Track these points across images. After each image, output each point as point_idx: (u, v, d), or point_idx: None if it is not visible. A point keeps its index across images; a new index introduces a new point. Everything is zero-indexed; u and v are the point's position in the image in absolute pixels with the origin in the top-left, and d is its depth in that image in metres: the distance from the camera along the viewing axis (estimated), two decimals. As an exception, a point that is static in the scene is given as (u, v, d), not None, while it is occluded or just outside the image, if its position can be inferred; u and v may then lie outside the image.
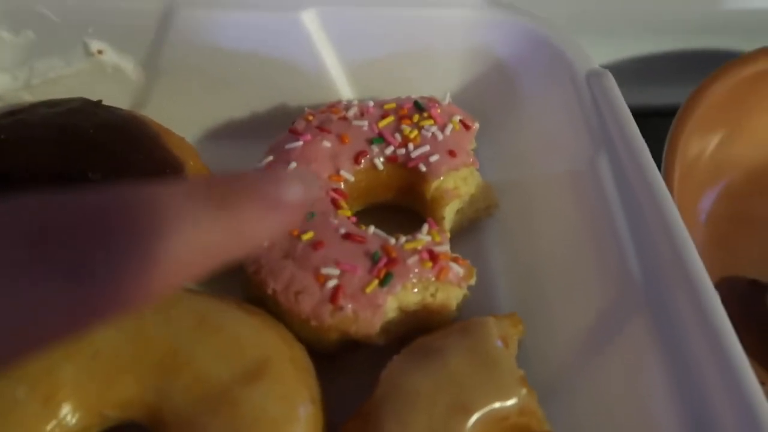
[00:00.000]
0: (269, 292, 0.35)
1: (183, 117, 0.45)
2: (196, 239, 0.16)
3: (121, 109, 0.41)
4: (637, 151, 0.38)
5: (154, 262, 0.16)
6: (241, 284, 0.40)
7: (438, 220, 0.41)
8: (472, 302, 0.40)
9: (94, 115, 0.39)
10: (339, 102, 0.44)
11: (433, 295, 0.37)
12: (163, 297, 0.17)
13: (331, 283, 0.35)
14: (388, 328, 0.36)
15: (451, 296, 0.38)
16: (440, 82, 0.48)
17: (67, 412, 0.30)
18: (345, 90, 0.48)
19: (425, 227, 0.38)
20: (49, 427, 0.29)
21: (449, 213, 0.42)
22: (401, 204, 0.44)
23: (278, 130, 0.45)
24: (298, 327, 0.35)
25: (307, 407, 0.31)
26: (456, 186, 0.42)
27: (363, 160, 0.41)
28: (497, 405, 0.31)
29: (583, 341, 0.38)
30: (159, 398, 0.30)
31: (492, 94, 0.48)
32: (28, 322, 0.15)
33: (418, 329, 0.38)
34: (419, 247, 0.37)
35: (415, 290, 0.37)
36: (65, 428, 0.30)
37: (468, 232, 0.45)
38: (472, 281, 0.38)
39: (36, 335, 0.15)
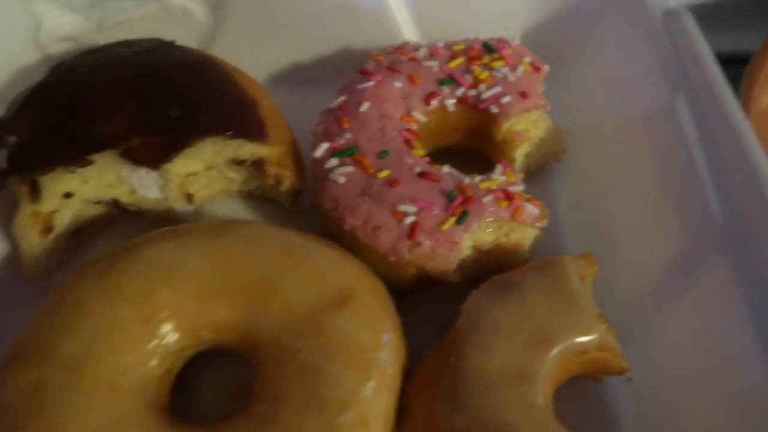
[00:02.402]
0: (347, 227, 0.37)
1: (249, 59, 0.46)
2: None
3: (193, 49, 0.42)
4: (719, 93, 0.38)
5: None
6: (314, 223, 0.42)
7: (508, 163, 0.42)
8: (541, 245, 0.41)
9: (169, 54, 0.40)
10: (407, 43, 0.45)
11: (506, 235, 0.39)
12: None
13: (409, 220, 0.37)
14: (462, 266, 0.38)
15: (525, 236, 0.39)
16: (508, 24, 0.48)
17: (167, 332, 0.32)
18: (410, 32, 0.49)
19: (499, 167, 0.39)
20: (150, 346, 0.32)
21: (519, 156, 0.43)
22: (469, 147, 0.45)
23: (341, 73, 0.47)
24: (375, 262, 0.37)
25: (390, 335, 0.33)
26: (526, 129, 0.43)
27: (433, 101, 0.42)
28: (578, 339, 0.33)
29: (659, 283, 0.39)
30: (251, 323, 0.33)
31: (561, 36, 0.48)
32: None
33: (490, 269, 0.40)
34: (494, 187, 0.38)
35: (489, 229, 0.38)
36: (165, 348, 0.32)
37: (535, 176, 0.46)
38: (545, 222, 0.39)
39: None
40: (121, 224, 0.43)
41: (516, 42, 0.45)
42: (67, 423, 0.29)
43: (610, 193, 0.44)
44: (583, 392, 0.38)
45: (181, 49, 0.41)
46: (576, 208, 0.45)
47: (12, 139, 0.36)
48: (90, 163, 0.37)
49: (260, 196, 0.45)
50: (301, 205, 0.44)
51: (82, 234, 0.42)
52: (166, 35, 0.45)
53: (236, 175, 0.42)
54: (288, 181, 0.41)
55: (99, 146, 0.37)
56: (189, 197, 0.40)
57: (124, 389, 0.30)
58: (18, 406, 0.29)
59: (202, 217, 0.43)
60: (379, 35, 0.49)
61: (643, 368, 0.37)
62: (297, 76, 0.49)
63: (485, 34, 0.47)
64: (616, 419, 0.38)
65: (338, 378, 0.31)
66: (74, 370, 0.30)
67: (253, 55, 0.47)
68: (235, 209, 0.45)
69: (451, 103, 0.42)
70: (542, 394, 0.31)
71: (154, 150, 0.37)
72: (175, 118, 0.37)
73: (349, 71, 0.46)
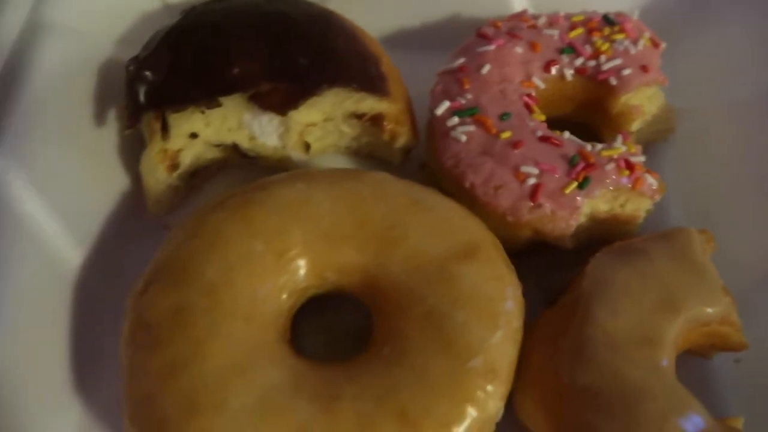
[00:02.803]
0: (467, 185, 0.38)
1: (360, 20, 0.47)
2: None
3: (317, 4, 0.43)
4: None
5: None
6: (423, 183, 0.42)
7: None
8: (648, 220, 0.41)
9: (296, 5, 0.41)
10: (525, 11, 0.45)
11: (622, 206, 0.39)
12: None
13: (531, 181, 0.37)
14: (576, 232, 0.38)
15: (640, 208, 0.39)
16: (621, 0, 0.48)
17: (297, 269, 0.33)
18: (520, 4, 0.49)
19: (619, 138, 0.39)
20: (281, 280, 0.33)
21: (632, 130, 0.43)
22: (577, 119, 0.45)
23: (448, 40, 0.47)
24: (490, 222, 0.38)
25: (515, 289, 0.33)
26: (641, 103, 0.43)
27: (553, 69, 0.42)
28: (704, 309, 0.33)
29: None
30: (377, 268, 0.34)
31: (676, 13, 0.48)
32: None
33: (599, 239, 0.40)
34: (615, 155, 0.38)
35: (607, 198, 0.38)
36: (294, 284, 0.33)
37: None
38: (661, 195, 0.39)
39: None
40: (234, 171, 0.44)
41: (636, 15, 0.45)
42: (208, 343, 0.30)
43: (718, 175, 0.44)
44: (689, 369, 0.38)
45: (307, 2, 0.42)
46: (681, 188, 0.45)
47: (150, 75, 0.38)
48: (219, 104, 0.38)
49: (367, 154, 0.46)
50: (408, 165, 0.45)
51: (197, 177, 0.43)
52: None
53: (350, 130, 0.43)
54: (403, 137, 0.41)
55: (230, 89, 0.38)
56: (306, 146, 0.41)
57: (259, 319, 0.31)
58: (162, 326, 0.30)
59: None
60: (488, 4, 0.49)
61: (751, 350, 0.37)
62: (405, 40, 0.49)
63: (598, 8, 0.47)
64: (720, 399, 0.38)
65: (467, 325, 0.31)
66: (214, 295, 0.31)
67: (364, 16, 0.48)
68: (343, 166, 0.46)
69: (569, 72, 0.42)
70: (668, 358, 0.32)
71: (282, 96, 0.38)
72: (304, 66, 0.38)
73: (457, 39, 0.47)
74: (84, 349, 0.36)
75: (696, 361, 0.38)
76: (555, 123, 0.45)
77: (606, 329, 0.31)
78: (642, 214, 0.40)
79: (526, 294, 0.37)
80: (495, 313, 0.32)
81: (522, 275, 0.39)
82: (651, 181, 0.38)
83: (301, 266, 0.33)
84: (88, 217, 0.39)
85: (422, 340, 0.31)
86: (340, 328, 0.38)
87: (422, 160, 0.45)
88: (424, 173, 0.43)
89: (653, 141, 0.46)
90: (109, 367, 0.35)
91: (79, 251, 0.38)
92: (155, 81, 0.38)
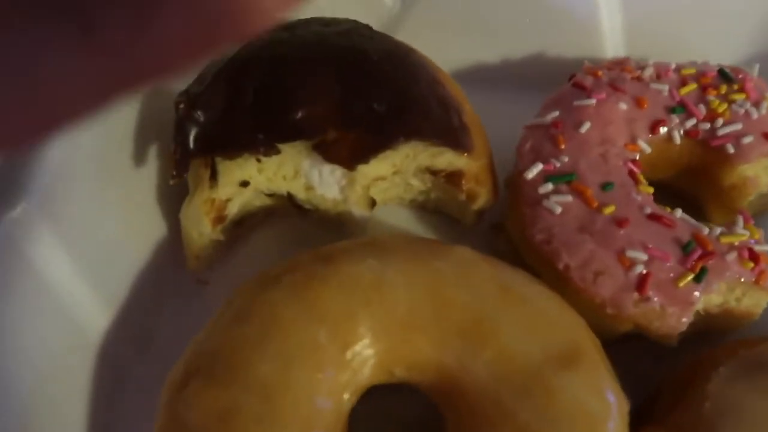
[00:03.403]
0: (560, 266, 0.32)
1: (432, 55, 0.42)
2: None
3: (392, 37, 0.38)
4: None
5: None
6: (496, 250, 0.37)
7: (730, 211, 0.37)
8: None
9: (371, 39, 0.36)
10: (627, 59, 0.40)
11: (738, 300, 0.34)
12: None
13: (638, 269, 0.32)
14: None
15: (758, 303, 0.34)
16: (732, 47, 0.43)
17: (363, 364, 0.28)
18: (615, 45, 0.44)
19: (740, 220, 0.34)
20: (344, 377, 0.28)
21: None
22: (678, 186, 0.40)
23: (536, 80, 0.42)
24: (584, 311, 0.32)
25: (621, 402, 0.28)
26: (758, 175, 0.38)
27: (661, 130, 0.37)
28: None
29: None
30: (458, 368, 0.28)
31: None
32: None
33: (703, 332, 0.35)
34: (737, 243, 0.33)
35: (721, 291, 0.33)
36: (357, 381, 0.28)
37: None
38: (787, 290, 0.34)
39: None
40: (282, 221, 0.40)
41: (756, 72, 0.39)
42: (260, 461, 0.25)
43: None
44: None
45: (382, 36, 0.37)
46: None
47: (202, 116, 0.33)
48: (278, 152, 0.34)
49: (433, 209, 0.41)
50: (480, 226, 0.40)
51: (241, 227, 0.38)
52: (346, 15, 0.41)
53: (419, 184, 0.38)
54: (482, 199, 0.36)
55: (294, 135, 0.33)
56: (371, 202, 0.36)
57: (319, 428, 0.26)
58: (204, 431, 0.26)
59: (371, 224, 0.39)
60: (579, 44, 0.44)
61: None
62: (483, 80, 0.44)
63: (702, 58, 0.41)
64: None
65: (568, 453, 0.26)
66: (270, 397, 0.26)
67: (438, 50, 0.43)
68: (406, 221, 0.41)
69: (678, 134, 0.37)
70: None
71: (351, 147, 0.33)
72: (380, 114, 0.33)
73: (542, 80, 0.42)
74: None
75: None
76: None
77: (738, 473, 0.26)
78: (759, 311, 0.34)
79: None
80: (600, 438, 0.27)
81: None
82: (776, 274, 0.33)
83: (368, 360, 0.28)
84: (117, 274, 0.34)
85: (513, 467, 0.26)
86: (393, 415, 0.33)
87: (495, 219, 0.40)
88: (500, 239, 0.38)
89: (762, 212, 0.41)
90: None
91: (106, 314, 0.33)
92: (208, 122, 0.33)
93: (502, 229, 0.39)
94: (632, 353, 0.37)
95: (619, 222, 0.33)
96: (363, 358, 0.28)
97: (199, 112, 0.33)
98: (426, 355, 0.29)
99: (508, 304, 0.29)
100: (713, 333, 0.36)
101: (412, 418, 0.33)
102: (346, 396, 0.28)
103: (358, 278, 0.29)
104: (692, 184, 0.40)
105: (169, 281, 0.36)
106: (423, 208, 0.41)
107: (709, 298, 0.33)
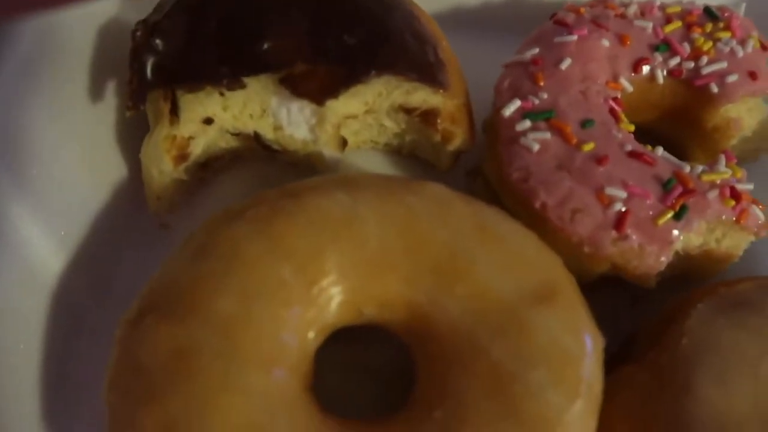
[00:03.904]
0: (537, 205, 0.31)
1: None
2: None
3: (366, -31, 0.36)
4: None
5: None
6: (474, 194, 0.36)
7: (713, 155, 0.36)
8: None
9: (345, -30, 0.34)
10: (610, -5, 0.38)
11: (718, 241, 0.33)
12: None
13: (617, 207, 0.31)
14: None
15: (738, 245, 0.33)
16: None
17: (329, 300, 0.27)
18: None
19: (722, 159, 0.33)
20: (309, 315, 0.27)
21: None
22: (661, 129, 0.39)
23: (517, 23, 0.40)
24: (561, 251, 0.31)
25: (596, 343, 0.27)
26: (740, 116, 0.37)
27: (644, 69, 0.35)
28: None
29: None
30: (430, 305, 0.27)
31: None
32: None
33: (683, 276, 0.34)
34: (719, 181, 0.32)
35: (701, 231, 0.32)
36: (323, 319, 0.27)
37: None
38: (768, 231, 0.33)
39: None
40: (251, 164, 0.38)
41: (743, 11, 0.38)
42: (219, 398, 0.24)
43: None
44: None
45: (356, -33, 0.36)
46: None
47: (161, 45, 0.31)
48: (243, 86, 0.32)
49: (408, 153, 0.39)
50: (456, 171, 0.39)
51: (207, 168, 0.37)
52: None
53: (393, 125, 0.36)
54: (458, 140, 0.35)
55: (259, 68, 0.31)
56: (342, 142, 0.35)
57: (283, 365, 0.25)
58: (159, 370, 0.24)
59: (343, 168, 0.38)
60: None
61: None
62: (464, 23, 0.43)
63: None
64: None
65: (542, 391, 0.25)
66: (230, 333, 0.25)
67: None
68: (379, 165, 0.39)
69: (662, 73, 0.36)
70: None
71: (320, 81, 0.32)
72: (351, 46, 0.31)
73: (524, 23, 0.40)
74: (59, 381, 0.30)
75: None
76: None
77: (715, 409, 0.25)
78: (739, 252, 0.33)
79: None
80: (575, 376, 0.26)
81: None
82: (758, 213, 0.32)
83: (335, 298, 0.27)
84: (73, 214, 0.33)
85: (486, 405, 0.25)
86: (365, 364, 0.32)
87: (472, 165, 0.39)
88: (477, 183, 0.37)
89: (744, 160, 0.40)
90: (88, 405, 0.29)
91: (61, 256, 0.32)
92: (167, 52, 0.31)
93: (480, 172, 0.37)
94: (610, 299, 0.36)
95: (599, 159, 0.32)
96: (330, 295, 0.27)
97: (157, 41, 0.31)
98: (397, 293, 0.28)
99: (482, 242, 0.28)
100: (693, 278, 0.36)
101: (383, 365, 0.32)
102: (311, 334, 0.27)
103: (327, 213, 0.28)
104: (675, 127, 0.39)
105: (129, 225, 0.34)
106: (398, 152, 0.39)
107: (689, 237, 0.32)
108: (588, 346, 0.27)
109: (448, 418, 0.25)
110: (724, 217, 0.32)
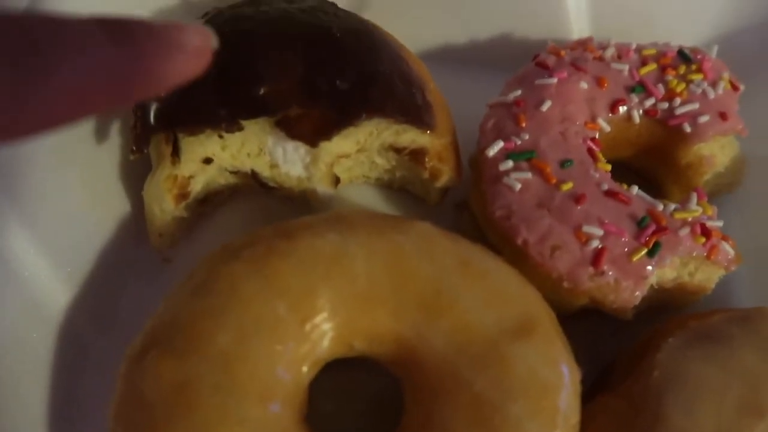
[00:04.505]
0: (519, 241, 0.33)
1: (400, 34, 0.42)
2: (86, 66, 0.17)
3: (357, 15, 0.38)
4: None
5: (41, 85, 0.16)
6: (460, 227, 0.38)
7: (687, 190, 0.38)
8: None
9: (335, 17, 0.36)
10: (590, 39, 0.40)
11: (691, 274, 0.35)
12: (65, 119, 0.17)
13: (594, 244, 0.33)
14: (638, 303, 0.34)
15: (710, 278, 0.35)
16: (696, 31, 0.44)
17: (322, 337, 0.29)
18: (580, 27, 0.44)
19: (694, 197, 0.35)
20: (303, 350, 0.28)
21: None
22: (638, 166, 0.41)
23: (502, 61, 0.42)
24: (542, 286, 0.33)
25: (573, 375, 0.29)
26: (713, 154, 0.39)
27: (620, 109, 0.38)
28: (792, 411, 0.29)
29: None
30: (416, 338, 0.29)
31: (754, 52, 0.43)
32: None
33: (658, 308, 0.36)
34: (690, 219, 0.34)
35: (675, 266, 0.34)
36: (316, 354, 0.29)
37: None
38: (737, 265, 0.35)
39: None
40: (248, 198, 0.40)
41: (714, 53, 0.40)
42: (218, 431, 0.25)
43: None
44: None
45: (347, 13, 0.37)
46: (747, 246, 0.40)
47: (163, 90, 0.33)
48: (241, 128, 0.34)
49: (398, 188, 0.41)
50: (444, 205, 0.41)
51: (206, 203, 0.38)
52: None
53: (384, 162, 0.38)
54: (445, 177, 0.37)
55: (257, 111, 0.33)
56: (335, 180, 0.37)
57: (278, 398, 0.27)
58: (161, 404, 0.26)
59: (336, 202, 0.40)
60: (544, 25, 0.44)
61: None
62: (450, 60, 0.45)
63: (666, 39, 0.42)
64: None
65: (520, 421, 0.27)
66: (228, 367, 0.26)
67: (402, 30, 0.43)
68: (371, 199, 0.41)
69: (638, 113, 0.38)
70: (750, 473, 0.28)
71: (314, 124, 0.34)
72: (343, 91, 0.33)
73: (509, 61, 0.42)
74: (65, 412, 0.31)
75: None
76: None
77: (682, 435, 0.27)
78: (712, 285, 0.35)
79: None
80: (552, 408, 0.27)
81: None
82: (727, 250, 0.34)
83: (327, 333, 0.29)
84: (78, 250, 0.34)
85: (467, 435, 0.27)
86: (355, 392, 0.34)
87: (460, 198, 0.41)
88: (464, 217, 0.39)
89: (717, 194, 0.42)
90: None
91: (66, 289, 0.33)
92: (168, 97, 0.33)
93: (466, 207, 0.39)
94: (591, 329, 0.38)
95: (577, 198, 0.34)
96: (322, 331, 0.29)
97: (159, 88, 0.33)
98: (385, 327, 0.30)
99: (466, 278, 0.30)
100: (669, 308, 0.37)
101: (373, 394, 0.34)
102: (305, 369, 0.29)
103: (318, 252, 0.29)
104: (651, 163, 0.41)
105: (132, 259, 0.36)
106: (389, 187, 0.41)
107: (662, 272, 0.34)
108: (565, 378, 0.29)
109: (432, 447, 0.27)
110: (695, 253, 0.34)
